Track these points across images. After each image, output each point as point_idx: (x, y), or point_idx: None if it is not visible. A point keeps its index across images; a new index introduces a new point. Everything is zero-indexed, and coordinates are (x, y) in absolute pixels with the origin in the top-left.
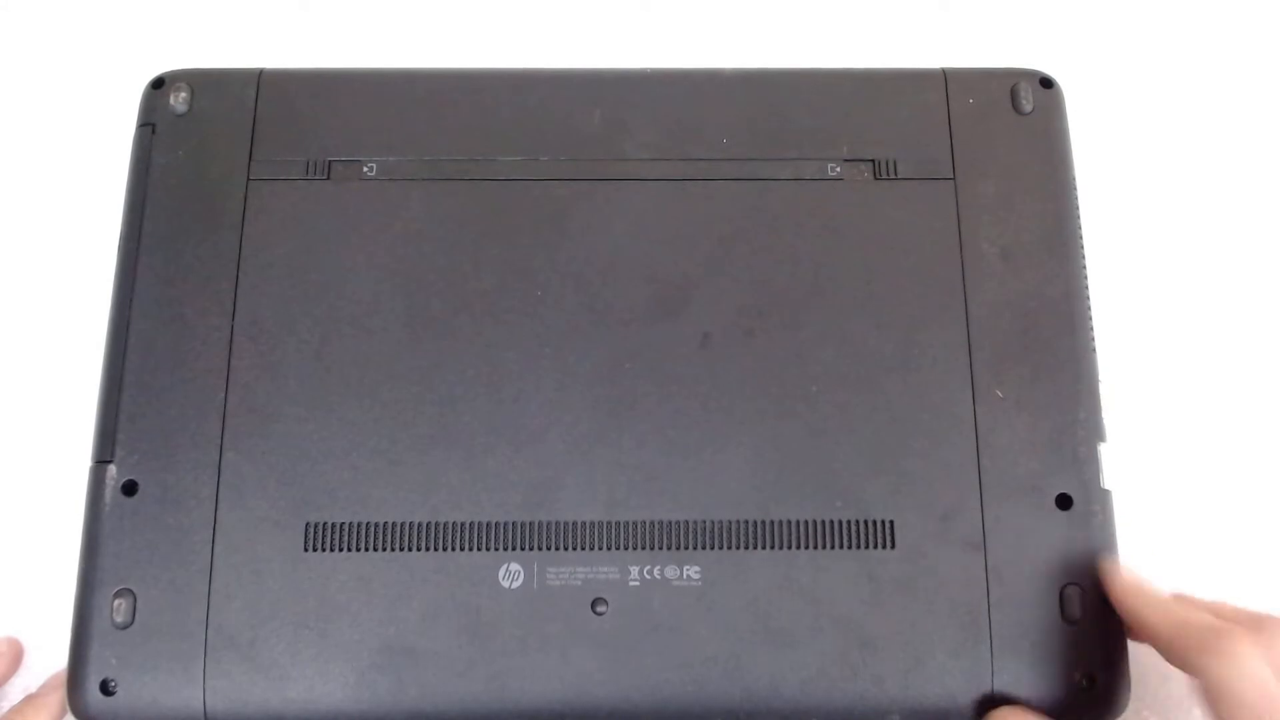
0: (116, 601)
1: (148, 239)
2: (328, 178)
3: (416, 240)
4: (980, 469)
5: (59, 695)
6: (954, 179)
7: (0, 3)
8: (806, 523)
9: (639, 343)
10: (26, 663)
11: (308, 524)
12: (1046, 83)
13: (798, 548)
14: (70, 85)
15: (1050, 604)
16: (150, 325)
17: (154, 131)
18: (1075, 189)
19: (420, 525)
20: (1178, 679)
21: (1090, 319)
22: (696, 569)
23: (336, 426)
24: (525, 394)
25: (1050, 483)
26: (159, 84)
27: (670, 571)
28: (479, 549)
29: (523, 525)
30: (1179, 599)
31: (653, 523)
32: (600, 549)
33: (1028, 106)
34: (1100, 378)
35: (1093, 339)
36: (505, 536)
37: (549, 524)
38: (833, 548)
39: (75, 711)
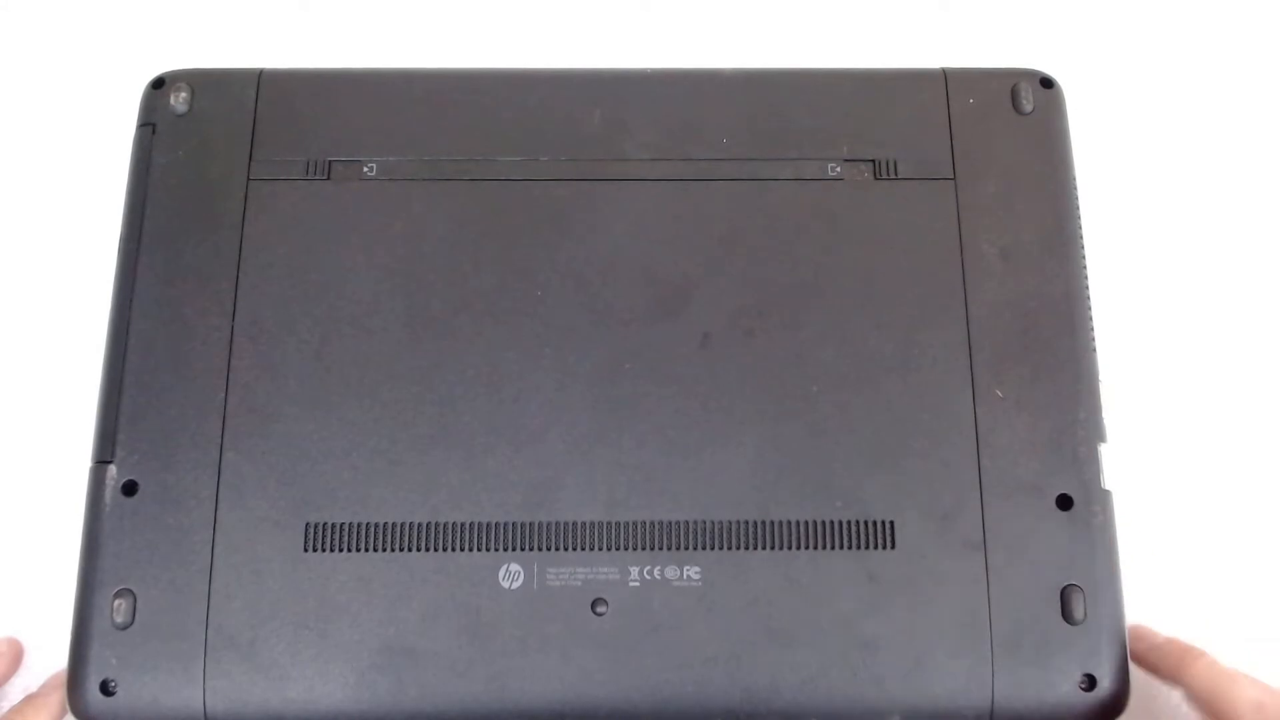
0: (116, 602)
1: (148, 239)
2: (328, 178)
3: (416, 240)
4: (980, 469)
5: (59, 695)
6: (954, 179)
7: (0, 3)
8: (806, 523)
9: (639, 343)
10: (26, 663)
11: (308, 524)
12: (1047, 83)
13: (798, 548)
14: (70, 85)
15: (1050, 604)
16: (150, 325)
17: (154, 131)
18: (1075, 189)
19: (420, 525)
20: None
21: (1090, 319)
22: (696, 569)
23: (336, 426)
24: (525, 394)
25: (1050, 483)
26: (159, 84)
27: (670, 572)
28: (479, 549)
29: (523, 525)
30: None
31: (653, 523)
32: (600, 549)
33: (1028, 106)
34: (1100, 378)
35: (1093, 339)
36: (505, 537)
37: (549, 524)
38: (833, 548)
39: (75, 711)
